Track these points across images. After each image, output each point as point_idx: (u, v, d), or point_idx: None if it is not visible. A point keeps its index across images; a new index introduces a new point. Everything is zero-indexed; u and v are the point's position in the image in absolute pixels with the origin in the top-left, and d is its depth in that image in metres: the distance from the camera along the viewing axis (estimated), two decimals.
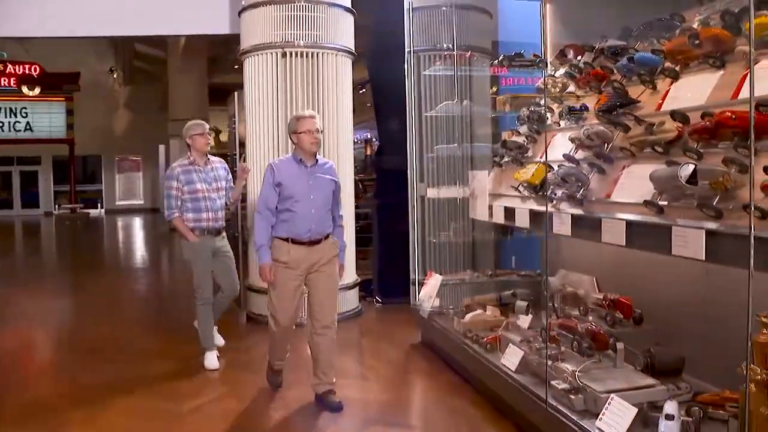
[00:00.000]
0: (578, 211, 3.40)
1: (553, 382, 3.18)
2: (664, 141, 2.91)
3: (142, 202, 24.55)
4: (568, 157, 3.69)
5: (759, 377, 2.27)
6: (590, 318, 3.79)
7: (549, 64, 4.78)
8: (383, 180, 7.11)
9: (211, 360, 4.82)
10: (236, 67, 18.38)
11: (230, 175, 4.95)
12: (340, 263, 4.06)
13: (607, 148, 3.41)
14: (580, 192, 3.39)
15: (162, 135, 18.52)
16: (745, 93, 2.71)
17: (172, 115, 16.58)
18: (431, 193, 5.33)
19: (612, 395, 2.81)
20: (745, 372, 2.23)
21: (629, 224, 2.95)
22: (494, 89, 6.07)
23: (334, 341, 4.02)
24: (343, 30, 6.19)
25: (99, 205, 23.81)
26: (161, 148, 18.33)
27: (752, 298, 2.70)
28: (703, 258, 2.47)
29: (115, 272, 10.52)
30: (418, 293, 5.51)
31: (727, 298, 3.16)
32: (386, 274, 6.91)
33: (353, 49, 6.32)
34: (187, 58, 15.92)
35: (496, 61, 5.15)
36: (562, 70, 4.70)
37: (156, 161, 22.34)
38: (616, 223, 3.01)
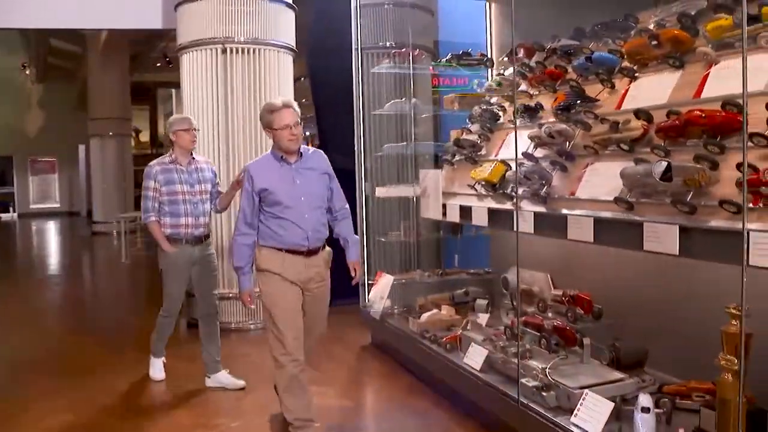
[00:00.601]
0: (541, 209, 3.42)
1: (522, 380, 3.18)
2: (630, 139, 2.96)
3: (58, 205, 23.29)
4: (527, 155, 3.72)
5: (735, 368, 2.33)
6: (549, 314, 3.83)
7: (499, 63, 4.83)
8: None
9: (157, 368, 4.56)
10: (158, 65, 17.92)
11: (217, 179, 4.50)
12: (354, 260, 3.57)
13: (568, 145, 3.45)
14: (544, 189, 3.41)
15: (80, 135, 17.60)
16: (707, 92, 2.80)
17: (92, 114, 15.76)
18: (380, 192, 5.27)
19: (586, 391, 2.83)
20: (739, 365, 2.29)
21: (597, 221, 2.98)
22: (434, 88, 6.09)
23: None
24: (284, 26, 6.04)
25: (11, 209, 22.43)
26: (81, 148, 17.39)
27: (719, 291, 2.80)
28: (677, 253, 2.52)
29: (30, 280, 9.87)
30: (368, 294, 5.44)
31: (681, 291, 3.27)
32: (332, 275, 6.77)
33: (294, 45, 6.18)
34: (108, 54, 15.17)
35: (445, 59, 5.15)
36: (511, 69, 4.76)
37: (74, 162, 21.31)
38: (584, 220, 3.04)
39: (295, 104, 3.31)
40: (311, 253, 3.29)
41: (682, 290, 3.28)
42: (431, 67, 5.71)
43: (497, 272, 5.19)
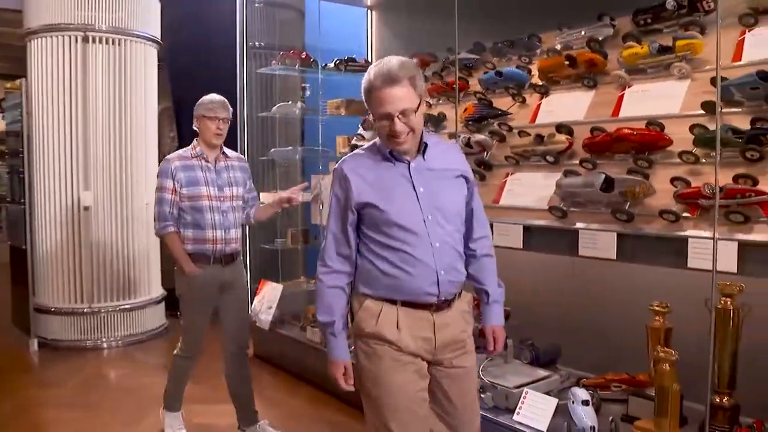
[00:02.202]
0: None
1: None
2: (556, 151, 3.18)
3: None
4: None
5: (673, 358, 2.60)
6: None
7: None
8: None
9: (176, 426, 3.63)
10: None
11: (251, 181, 3.59)
12: (496, 325, 2.26)
13: (486, 155, 3.61)
14: None
15: None
16: (624, 111, 3.09)
17: None
18: (265, 197, 5.05)
19: (525, 389, 2.98)
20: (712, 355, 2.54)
21: (526, 228, 3.17)
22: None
23: None
24: (150, 17, 5.59)
25: None
26: None
27: (642, 290, 3.11)
28: (614, 257, 2.76)
29: None
30: (251, 303, 5.21)
31: (580, 290, 3.57)
32: None
33: (160, 38, 5.75)
34: None
35: (332, 63, 5.11)
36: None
37: None
38: (512, 227, 3.20)
39: (403, 75, 1.94)
40: (441, 307, 2.06)
41: (584, 291, 3.58)
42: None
43: None
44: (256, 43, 5.59)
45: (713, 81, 2.72)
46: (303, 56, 5.03)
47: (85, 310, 5.35)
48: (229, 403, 3.66)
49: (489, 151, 3.60)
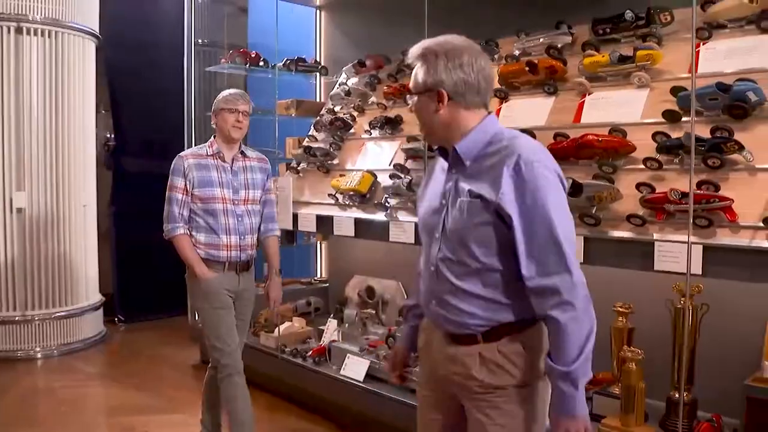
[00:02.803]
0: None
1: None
2: None
3: None
4: (399, 167, 3.82)
5: (639, 357, 2.70)
6: None
7: (346, 71, 4.87)
8: (121, 183, 6.32)
9: None
10: None
11: (271, 182, 3.38)
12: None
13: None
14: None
15: None
16: (585, 118, 3.18)
17: None
18: None
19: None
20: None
21: None
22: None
23: None
24: (88, 8, 5.34)
25: None
26: None
27: (607, 292, 3.20)
28: (582, 261, 2.83)
29: None
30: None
31: None
32: (129, 289, 6.17)
33: (98, 32, 5.50)
34: None
35: (282, 63, 5.03)
36: (355, 79, 4.84)
37: None
38: None
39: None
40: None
41: None
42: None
43: (334, 281, 5.23)
44: (199, 41, 5.45)
45: (672, 90, 2.85)
46: (253, 55, 4.92)
47: (18, 318, 5.05)
48: (183, 413, 3.53)
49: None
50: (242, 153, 3.21)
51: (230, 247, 3.09)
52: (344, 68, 4.90)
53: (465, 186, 1.70)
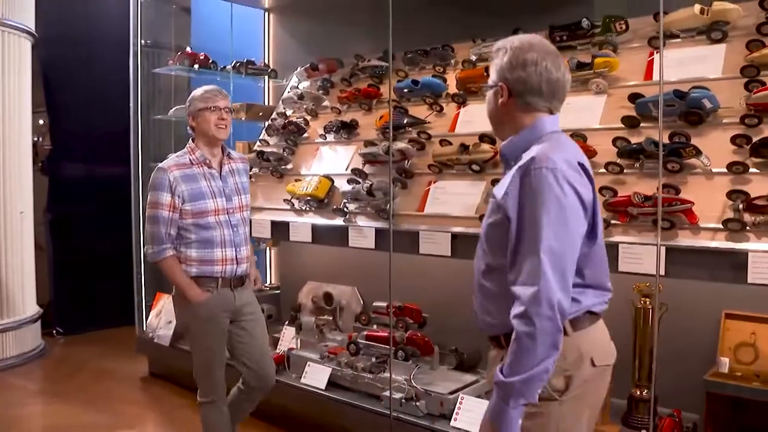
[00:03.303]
0: (382, 225, 3.53)
1: (384, 393, 3.25)
2: (482, 160, 3.26)
3: None
4: (357, 172, 3.80)
5: None
6: (374, 327, 3.95)
7: (298, 74, 4.81)
8: (58, 189, 6.03)
9: None
10: None
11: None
12: None
13: (407, 163, 3.63)
14: (389, 205, 3.53)
15: None
16: None
17: None
18: None
19: (460, 395, 3.04)
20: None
21: (454, 236, 3.22)
22: None
23: None
24: (21, 6, 5.07)
25: None
26: None
27: None
28: None
29: None
30: (146, 318, 4.89)
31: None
32: (68, 300, 5.89)
33: (34, 30, 5.23)
34: None
35: (231, 66, 4.92)
36: (307, 83, 4.79)
37: None
38: (440, 235, 3.24)
39: None
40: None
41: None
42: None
43: (285, 288, 5.14)
44: (145, 41, 5.26)
45: (630, 97, 2.94)
46: (201, 57, 4.79)
47: None
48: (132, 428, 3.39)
49: (410, 160, 3.63)
50: (227, 155, 2.94)
51: (225, 261, 2.82)
52: (295, 71, 4.84)
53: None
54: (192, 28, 5.71)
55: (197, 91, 2.88)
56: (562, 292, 1.52)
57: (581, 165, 1.63)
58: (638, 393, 2.83)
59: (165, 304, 4.72)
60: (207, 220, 2.79)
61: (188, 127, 2.91)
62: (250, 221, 3.88)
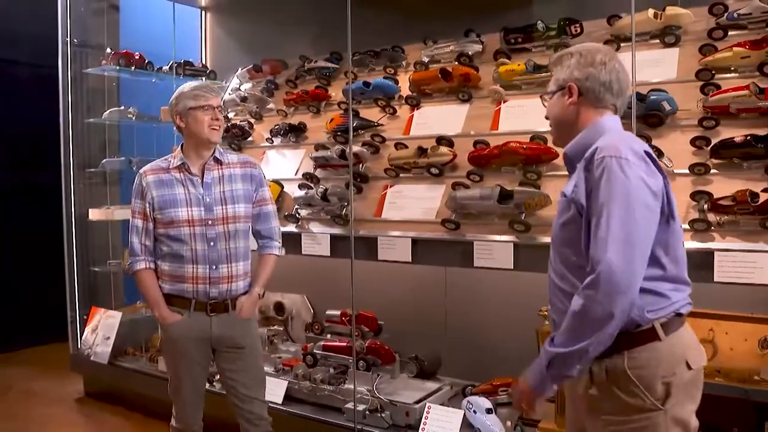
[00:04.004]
0: (338, 231, 3.43)
1: (347, 406, 3.14)
2: (440, 164, 3.21)
3: None
4: (309, 177, 3.68)
5: None
6: (329, 336, 3.82)
7: (240, 76, 4.63)
8: None
9: None
10: None
11: (265, 190, 2.71)
12: None
13: (362, 167, 3.54)
14: (344, 210, 3.42)
15: None
16: (503, 125, 3.23)
17: None
18: (95, 214, 4.47)
19: (427, 404, 2.97)
20: None
21: (414, 241, 3.15)
22: None
23: None
24: None
25: None
26: None
27: (539, 296, 3.24)
28: (512, 267, 2.85)
29: None
30: (80, 334, 4.57)
31: (464, 300, 3.66)
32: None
33: None
34: None
35: (167, 66, 4.68)
36: (249, 84, 4.62)
37: None
38: (399, 240, 3.17)
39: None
40: None
41: (468, 301, 3.64)
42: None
43: None
44: (75, 40, 4.94)
45: None
46: (137, 57, 4.53)
47: None
48: None
49: (365, 163, 3.54)
50: (216, 159, 2.60)
51: (196, 279, 2.49)
52: (237, 73, 4.66)
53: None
54: (121, 27, 5.41)
55: (185, 87, 2.58)
56: (626, 278, 1.49)
57: (647, 153, 1.61)
58: None
59: (102, 318, 4.44)
60: (179, 231, 2.50)
61: (175, 128, 2.62)
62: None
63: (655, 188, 1.57)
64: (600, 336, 1.52)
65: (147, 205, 2.53)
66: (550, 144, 2.94)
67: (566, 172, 2.75)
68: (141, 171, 2.60)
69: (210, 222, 2.52)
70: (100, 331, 4.42)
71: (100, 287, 4.68)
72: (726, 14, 2.84)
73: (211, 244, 2.51)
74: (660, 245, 1.59)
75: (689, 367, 1.61)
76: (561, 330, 1.58)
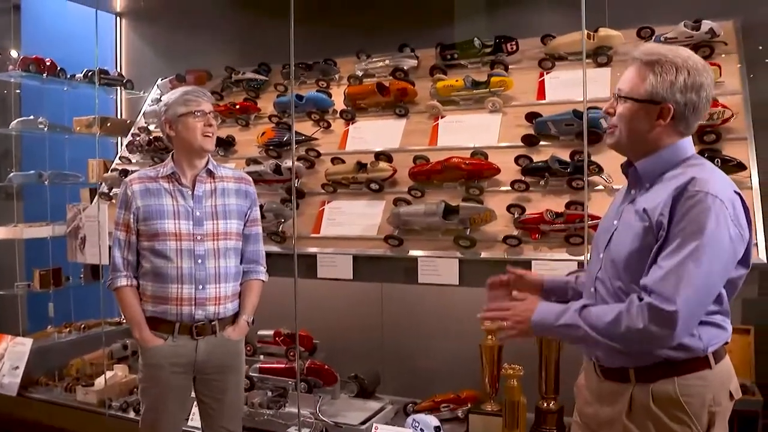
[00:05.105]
0: (273, 249, 3.32)
1: (289, 430, 3.03)
2: (381, 179, 3.17)
3: None
4: None
5: (520, 374, 2.78)
6: (262, 357, 3.69)
7: (162, 86, 4.42)
8: None
9: None
10: None
11: (257, 210, 2.54)
12: None
13: (297, 182, 3.44)
14: (281, 227, 3.32)
15: None
16: (442, 141, 3.23)
17: None
18: (2, 233, 4.12)
19: (375, 425, 2.91)
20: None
21: (355, 258, 3.10)
22: None
23: None
24: None
25: None
26: None
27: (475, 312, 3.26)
28: (457, 283, 2.85)
29: None
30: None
31: (402, 317, 3.64)
32: None
33: None
34: None
35: (80, 75, 4.40)
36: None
37: None
38: (340, 257, 3.11)
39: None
40: None
41: (405, 317, 3.62)
42: None
43: None
44: None
45: (528, 116, 3.01)
46: (48, 63, 4.23)
47: None
48: None
49: (300, 178, 3.44)
50: (209, 172, 2.43)
51: (181, 300, 2.30)
52: (158, 83, 4.44)
53: (637, 207, 1.58)
54: (23, 30, 5.04)
55: (174, 93, 2.41)
56: (685, 327, 1.46)
57: (737, 193, 1.53)
58: (545, 405, 2.88)
59: (8, 346, 4.08)
60: (165, 245, 2.30)
61: (164, 137, 2.45)
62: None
63: (744, 233, 1.52)
64: (627, 347, 1.53)
65: (131, 216, 2.35)
66: (491, 159, 2.98)
67: (508, 188, 2.86)
68: (127, 179, 2.42)
69: (199, 237, 2.34)
70: (6, 360, 4.05)
71: (8, 312, 4.30)
72: (653, 37, 2.98)
73: (199, 261, 2.33)
74: (730, 283, 1.56)
75: (731, 397, 1.61)
76: (600, 313, 1.54)
